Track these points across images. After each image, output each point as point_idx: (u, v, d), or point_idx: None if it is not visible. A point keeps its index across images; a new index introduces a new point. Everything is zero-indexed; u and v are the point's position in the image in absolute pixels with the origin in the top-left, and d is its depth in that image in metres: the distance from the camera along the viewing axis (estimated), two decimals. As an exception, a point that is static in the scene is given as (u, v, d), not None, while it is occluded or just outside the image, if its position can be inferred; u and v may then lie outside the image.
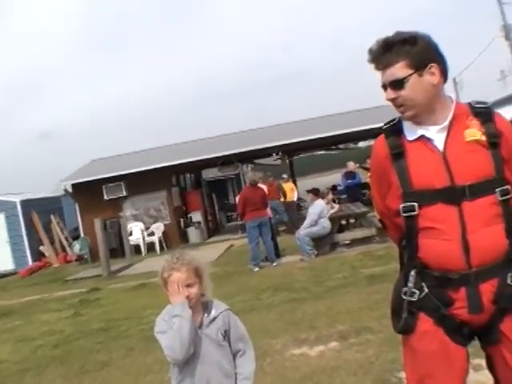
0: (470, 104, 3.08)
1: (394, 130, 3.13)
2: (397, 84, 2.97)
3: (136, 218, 27.26)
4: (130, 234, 25.72)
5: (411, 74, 2.95)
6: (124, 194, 27.22)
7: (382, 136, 3.18)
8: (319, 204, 16.30)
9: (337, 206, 18.90)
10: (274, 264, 15.83)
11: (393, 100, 3.02)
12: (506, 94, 35.29)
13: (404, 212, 2.99)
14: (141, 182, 26.24)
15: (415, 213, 2.95)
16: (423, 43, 2.98)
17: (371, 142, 40.44)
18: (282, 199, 24.09)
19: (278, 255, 16.65)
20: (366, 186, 25.85)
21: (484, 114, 3.02)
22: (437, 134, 2.99)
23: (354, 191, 24.51)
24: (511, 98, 32.46)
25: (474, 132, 2.95)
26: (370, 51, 3.04)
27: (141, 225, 26.63)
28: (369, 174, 21.51)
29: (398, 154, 3.04)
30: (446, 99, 3.07)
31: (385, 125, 3.20)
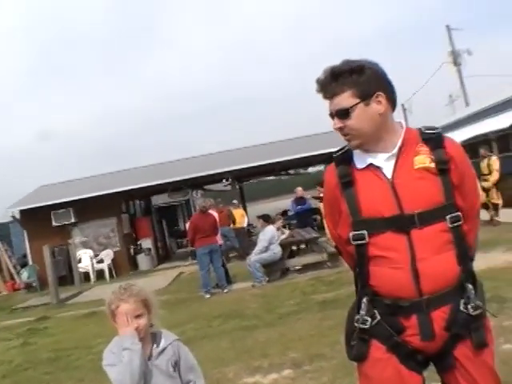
0: (420, 130, 3.09)
1: (343, 158, 3.13)
2: (342, 114, 2.97)
3: (85, 245, 26.93)
4: (79, 261, 25.38)
5: (357, 104, 2.95)
6: (73, 220, 26.88)
7: (333, 164, 3.18)
8: (270, 230, 16.30)
9: (287, 232, 18.95)
10: (225, 291, 15.76)
11: (339, 129, 3.02)
12: (454, 119, 35.87)
13: (354, 240, 3.00)
14: (90, 209, 26.02)
15: (365, 241, 2.95)
16: (370, 72, 2.98)
17: (321, 168, 40.82)
18: (232, 225, 24.09)
19: (228, 282, 16.58)
20: (316, 211, 25.96)
21: (434, 139, 3.02)
22: (385, 162, 2.99)
23: (304, 217, 24.54)
24: (459, 122, 32.99)
25: (423, 159, 2.96)
26: (318, 81, 3.04)
27: (90, 252, 26.32)
28: (320, 202, 21.68)
29: (347, 182, 3.04)
30: (394, 126, 3.07)
31: (335, 153, 3.20)
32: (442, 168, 2.94)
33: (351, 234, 3.00)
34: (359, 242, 2.98)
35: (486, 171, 18.25)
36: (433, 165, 2.94)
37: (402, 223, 2.88)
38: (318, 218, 25.85)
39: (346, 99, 2.95)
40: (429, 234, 2.87)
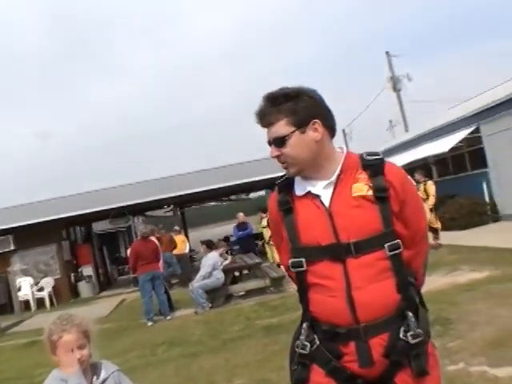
0: (361, 156, 3.07)
1: (285, 186, 3.14)
2: (279, 142, 2.98)
3: (25, 273, 26.42)
4: (19, 289, 25.03)
5: (293, 132, 2.95)
6: (12, 247, 26.45)
7: (275, 191, 3.19)
8: (213, 256, 16.29)
9: (230, 258, 18.93)
10: (168, 318, 15.66)
11: (276, 157, 3.04)
12: (393, 144, 36.38)
13: (293, 267, 3.02)
14: (30, 236, 25.58)
15: (303, 268, 2.97)
16: (306, 99, 2.98)
17: (262, 193, 40.99)
18: (174, 251, 23.99)
19: (171, 308, 16.48)
20: (258, 236, 26.00)
21: (374, 166, 3.00)
22: (323, 190, 2.99)
23: (246, 242, 24.53)
24: (399, 147, 33.47)
25: (361, 187, 2.94)
26: (255, 111, 3.05)
27: (30, 279, 25.83)
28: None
29: (287, 209, 3.05)
30: (334, 153, 3.07)
31: (278, 180, 3.21)
32: (381, 196, 2.92)
33: (290, 261, 3.03)
34: (298, 269, 3.00)
35: (423, 196, 18.51)
36: (370, 192, 2.92)
37: (338, 252, 2.88)
38: (260, 243, 25.94)
39: (282, 127, 2.96)
40: (365, 262, 2.87)
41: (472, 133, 24.19)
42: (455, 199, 23.68)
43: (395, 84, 44.96)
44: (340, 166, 3.00)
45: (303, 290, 3.03)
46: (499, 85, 27.23)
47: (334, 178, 2.98)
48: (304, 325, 3.04)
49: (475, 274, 12.79)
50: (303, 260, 2.96)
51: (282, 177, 3.20)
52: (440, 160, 28.42)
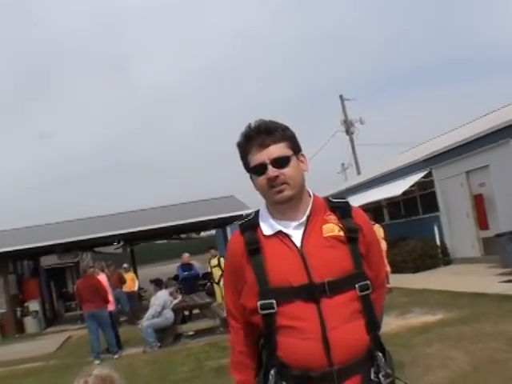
0: (327, 199, 3.09)
1: (250, 225, 3.06)
2: (282, 161, 2.91)
3: (-31, 307, 25.92)
4: (-37, 322, 24.54)
5: (292, 155, 2.94)
6: (-43, 280, 25.85)
7: (238, 232, 3.09)
8: (162, 295, 16.15)
9: (180, 297, 18.73)
10: (116, 356, 15.38)
11: (274, 178, 2.91)
12: (345, 187, 36.72)
13: (262, 309, 2.88)
14: (-24, 268, 25.10)
15: (273, 310, 2.85)
16: (293, 133, 3.02)
17: (213, 232, 40.94)
18: (124, 289, 23.77)
19: (119, 347, 16.21)
20: (205, 276, 25.91)
21: (342, 208, 3.01)
22: (294, 230, 2.93)
23: (191, 282, 24.29)
24: (351, 190, 33.78)
25: (332, 227, 2.92)
26: (246, 133, 2.98)
27: (-26, 314, 25.31)
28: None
29: (254, 249, 2.95)
30: (306, 192, 3.06)
31: (241, 220, 3.14)
32: (351, 236, 2.92)
33: (259, 304, 2.88)
34: (267, 311, 2.87)
35: None
36: (342, 233, 2.91)
37: (312, 292, 2.80)
38: (209, 283, 25.79)
39: (282, 149, 2.92)
40: (339, 302, 2.81)
41: (424, 177, 24.55)
42: (407, 242, 23.95)
43: (348, 127, 45.54)
44: (310, 207, 2.98)
45: (270, 333, 2.88)
46: (452, 130, 27.69)
47: (304, 218, 2.94)
48: (272, 371, 2.88)
49: (428, 316, 12.91)
50: (274, 302, 2.84)
51: (245, 217, 3.13)
52: (392, 203, 28.72)
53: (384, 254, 18.37)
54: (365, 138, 46.39)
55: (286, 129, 2.99)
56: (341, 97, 46.36)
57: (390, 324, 12.31)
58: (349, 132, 45.59)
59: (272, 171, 2.90)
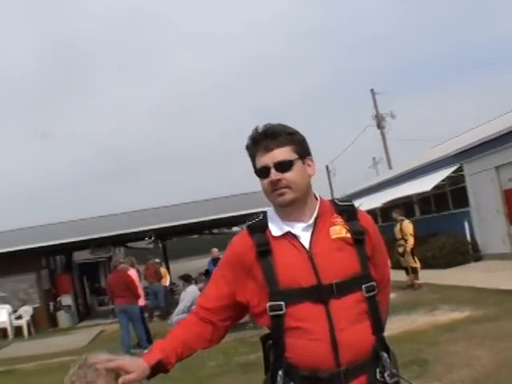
0: (333, 201, 3.13)
1: (259, 226, 3.09)
2: (284, 165, 2.95)
3: (3, 301, 26.18)
4: (-3, 316, 24.81)
5: (297, 159, 2.97)
6: (-9, 275, 26.14)
7: (245, 232, 3.12)
8: (192, 290, 16.17)
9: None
10: (146, 351, 15.44)
11: (276, 182, 2.96)
12: (376, 181, 36.46)
13: (271, 311, 2.92)
14: (9, 263, 25.36)
15: (282, 312, 2.89)
16: (301, 137, 3.06)
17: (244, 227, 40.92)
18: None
19: (149, 341, 16.31)
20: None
21: (348, 211, 3.05)
22: (302, 232, 2.97)
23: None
24: (382, 184, 33.54)
25: (339, 229, 2.97)
26: (252, 136, 3.04)
27: (8, 307, 25.60)
28: None
29: (264, 251, 2.98)
30: (313, 195, 3.10)
31: (249, 221, 3.16)
32: (358, 238, 2.97)
33: (268, 305, 2.92)
34: (276, 312, 2.91)
35: (399, 236, 18.52)
36: (349, 235, 2.96)
37: (320, 293, 2.85)
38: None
39: (286, 153, 2.95)
40: (346, 303, 2.86)
41: (455, 171, 24.36)
42: (437, 238, 23.79)
43: (379, 121, 45.22)
44: (317, 209, 3.02)
45: (279, 335, 2.92)
46: (482, 124, 27.41)
47: (312, 220, 2.98)
48: (280, 372, 2.91)
49: (456, 313, 12.81)
50: (282, 303, 2.88)
51: (253, 218, 3.16)
52: (423, 198, 28.51)
53: (409, 250, 18.36)
54: (396, 132, 46.12)
55: (292, 133, 3.03)
56: (372, 90, 46.07)
57: (418, 321, 12.32)
58: (380, 126, 45.31)
59: (274, 175, 2.95)
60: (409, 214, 24.26)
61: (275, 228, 3.03)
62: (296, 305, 2.87)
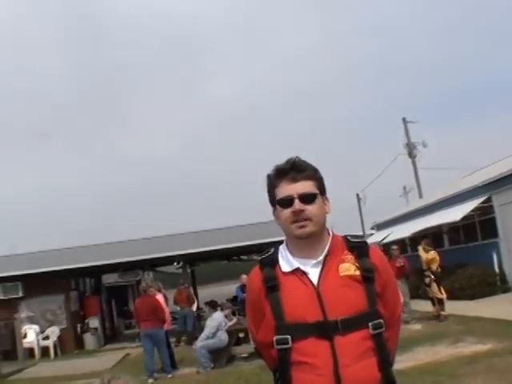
0: (345, 238, 3.15)
1: (269, 261, 3.15)
2: (308, 198, 3.03)
3: (32, 321, 26.30)
4: (25, 336, 25.01)
5: (319, 195, 3.07)
6: (20, 294, 26.41)
7: (257, 268, 3.20)
8: (217, 316, 16.26)
9: (235, 319, 18.84)
10: (169, 376, 15.56)
11: (299, 212, 3.03)
12: (407, 210, 36.28)
13: (277, 344, 2.97)
14: (39, 284, 25.56)
15: (288, 346, 2.94)
16: (321, 175, 3.17)
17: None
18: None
19: (173, 366, 16.39)
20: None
21: (359, 248, 3.09)
22: (311, 268, 3.02)
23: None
24: (411, 214, 33.39)
25: (349, 267, 3.00)
26: (280, 167, 3.13)
27: (36, 328, 25.76)
28: None
29: (272, 286, 3.05)
30: (326, 232, 3.15)
31: (261, 255, 3.23)
32: (367, 276, 3.00)
33: (275, 338, 2.98)
34: (282, 346, 2.96)
35: (425, 266, 18.50)
36: (357, 272, 2.99)
37: (325, 329, 2.89)
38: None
39: (310, 186, 3.06)
40: (352, 340, 2.89)
41: (484, 202, 24.25)
42: (465, 269, 23.60)
43: (411, 150, 45.02)
44: (328, 246, 3.07)
45: (285, 368, 2.97)
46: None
47: (321, 257, 3.03)
48: None
49: (479, 346, 12.74)
50: (289, 337, 2.93)
51: (265, 253, 3.22)
52: (452, 228, 28.37)
53: (433, 282, 18.26)
54: (428, 161, 45.80)
55: (316, 170, 3.14)
56: (404, 119, 45.99)
57: (441, 353, 12.27)
58: (411, 155, 45.13)
59: (298, 205, 3.02)
60: (438, 245, 24.19)
61: (285, 263, 3.09)
62: (302, 339, 2.91)
